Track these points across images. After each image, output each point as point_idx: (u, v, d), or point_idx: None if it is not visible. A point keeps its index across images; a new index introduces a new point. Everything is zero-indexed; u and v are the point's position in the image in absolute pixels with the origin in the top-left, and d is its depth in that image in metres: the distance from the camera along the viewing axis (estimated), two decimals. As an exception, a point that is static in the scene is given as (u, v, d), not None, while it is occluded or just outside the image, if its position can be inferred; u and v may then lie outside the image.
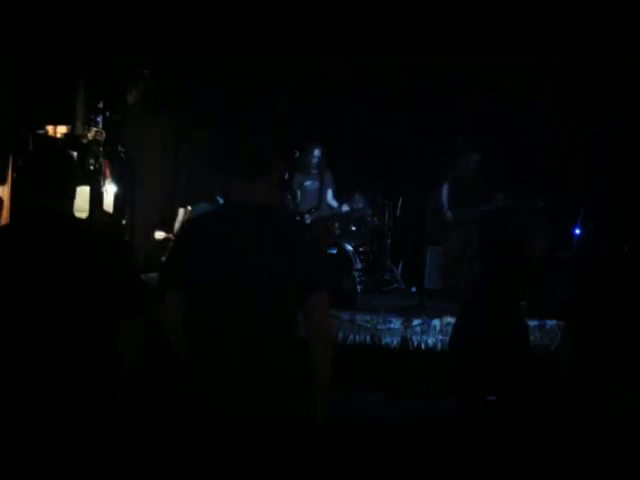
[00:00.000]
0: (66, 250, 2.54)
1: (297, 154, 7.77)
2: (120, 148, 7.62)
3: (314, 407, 2.45)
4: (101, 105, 7.33)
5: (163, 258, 8.14)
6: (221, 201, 7.76)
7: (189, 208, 7.92)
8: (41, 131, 6.56)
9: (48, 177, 2.59)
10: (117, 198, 7.48)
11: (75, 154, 6.70)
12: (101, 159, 7.15)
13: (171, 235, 7.91)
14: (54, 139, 6.71)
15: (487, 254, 4.19)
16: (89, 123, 7.13)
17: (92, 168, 7.01)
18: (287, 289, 2.42)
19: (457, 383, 4.24)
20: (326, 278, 2.51)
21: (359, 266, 7.85)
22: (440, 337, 5.97)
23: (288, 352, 2.43)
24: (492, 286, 4.06)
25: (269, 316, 2.41)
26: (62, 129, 6.86)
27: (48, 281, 2.49)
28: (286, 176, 7.82)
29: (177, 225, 8.09)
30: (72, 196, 2.69)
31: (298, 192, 7.91)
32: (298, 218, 7.68)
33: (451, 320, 5.44)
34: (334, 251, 7.59)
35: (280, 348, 2.42)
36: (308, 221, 7.79)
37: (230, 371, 2.38)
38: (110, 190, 7.38)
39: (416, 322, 6.19)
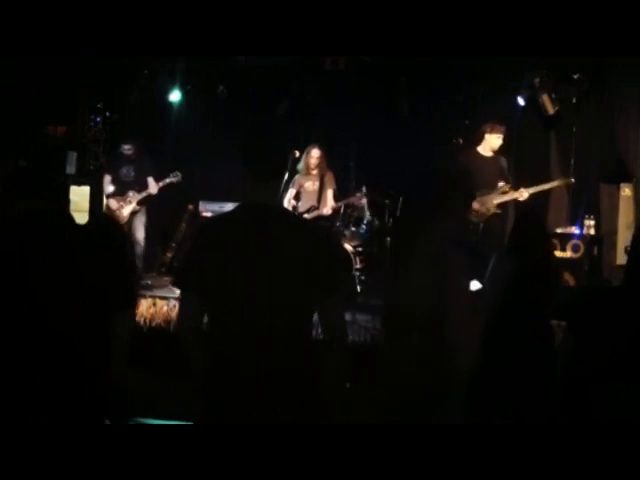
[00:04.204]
0: (65, 249, 2.59)
1: (297, 154, 7.76)
2: (120, 148, 7.64)
3: (324, 407, 2.46)
4: (101, 105, 7.35)
5: (168, 255, 8.19)
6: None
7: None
8: (41, 131, 6.58)
9: (46, 177, 2.68)
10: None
11: (75, 154, 6.73)
12: (101, 159, 7.17)
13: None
14: (54, 139, 6.74)
15: (516, 254, 3.99)
16: (89, 123, 7.15)
17: (92, 168, 7.03)
18: (305, 291, 2.39)
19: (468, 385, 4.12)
20: (343, 279, 2.51)
21: (359, 266, 7.85)
22: (440, 337, 5.95)
23: (302, 354, 2.41)
24: (521, 287, 3.86)
25: (285, 318, 2.37)
26: (62, 129, 6.88)
27: (47, 279, 2.54)
28: (286, 177, 7.82)
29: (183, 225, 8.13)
30: (67, 195, 2.82)
31: (298, 192, 7.91)
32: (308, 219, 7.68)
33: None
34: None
35: (295, 350, 2.39)
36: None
37: (242, 373, 2.36)
38: (110, 190, 7.40)
39: (416, 322, 6.18)
